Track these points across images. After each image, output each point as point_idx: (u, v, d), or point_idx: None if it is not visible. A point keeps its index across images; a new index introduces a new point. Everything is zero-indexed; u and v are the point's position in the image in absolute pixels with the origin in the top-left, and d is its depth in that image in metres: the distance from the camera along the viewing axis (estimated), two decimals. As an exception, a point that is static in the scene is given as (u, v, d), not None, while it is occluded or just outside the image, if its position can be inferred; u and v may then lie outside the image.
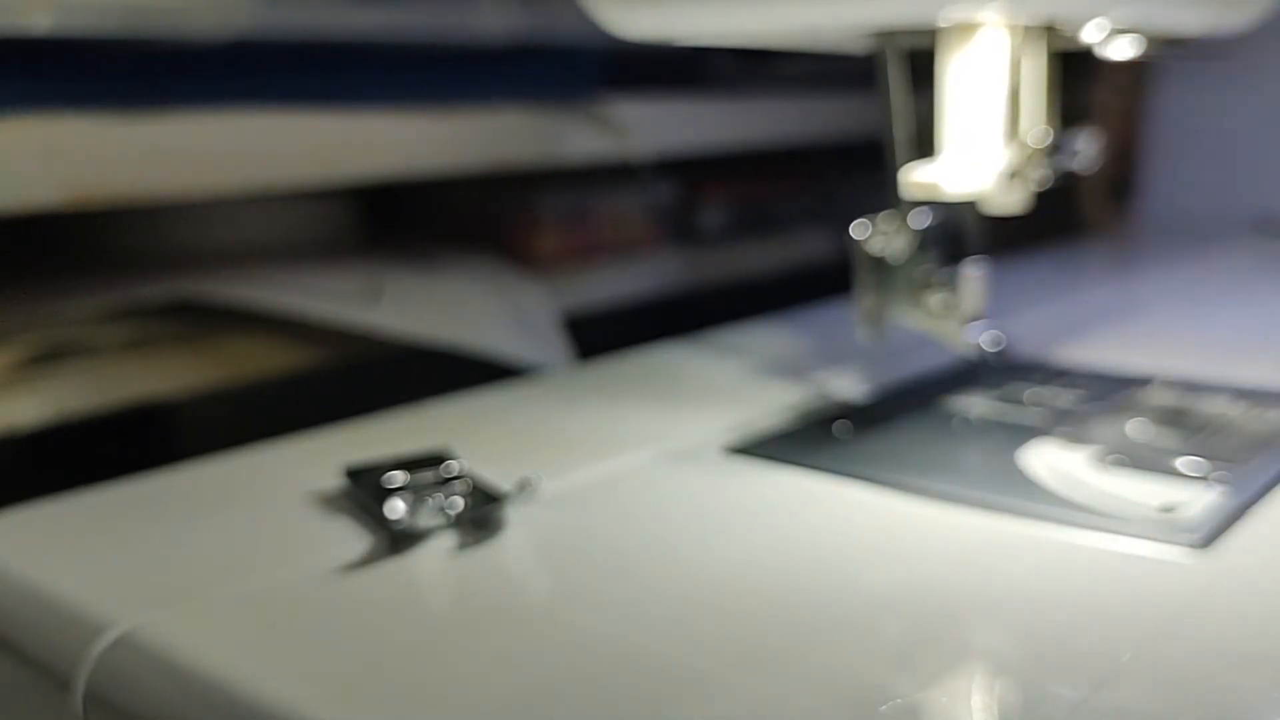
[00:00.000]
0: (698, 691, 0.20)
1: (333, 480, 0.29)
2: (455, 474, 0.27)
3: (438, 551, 0.25)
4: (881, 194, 0.33)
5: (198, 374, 0.41)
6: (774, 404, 0.36)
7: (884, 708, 0.19)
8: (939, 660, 0.21)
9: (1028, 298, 0.51)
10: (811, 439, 0.32)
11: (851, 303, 0.33)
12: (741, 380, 0.39)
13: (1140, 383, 0.36)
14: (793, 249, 0.67)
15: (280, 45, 0.42)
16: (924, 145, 0.32)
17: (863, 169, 0.40)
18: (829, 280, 0.45)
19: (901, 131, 0.32)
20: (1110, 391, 0.35)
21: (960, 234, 0.33)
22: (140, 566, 0.25)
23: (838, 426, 0.33)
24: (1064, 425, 0.32)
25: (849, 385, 0.37)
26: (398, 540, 0.26)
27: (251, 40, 0.40)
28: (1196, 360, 0.39)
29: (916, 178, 0.31)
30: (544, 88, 0.51)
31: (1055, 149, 0.32)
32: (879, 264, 0.33)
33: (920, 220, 0.32)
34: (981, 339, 0.33)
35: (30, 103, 0.36)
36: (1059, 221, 0.75)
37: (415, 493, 0.27)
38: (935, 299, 0.32)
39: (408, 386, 0.38)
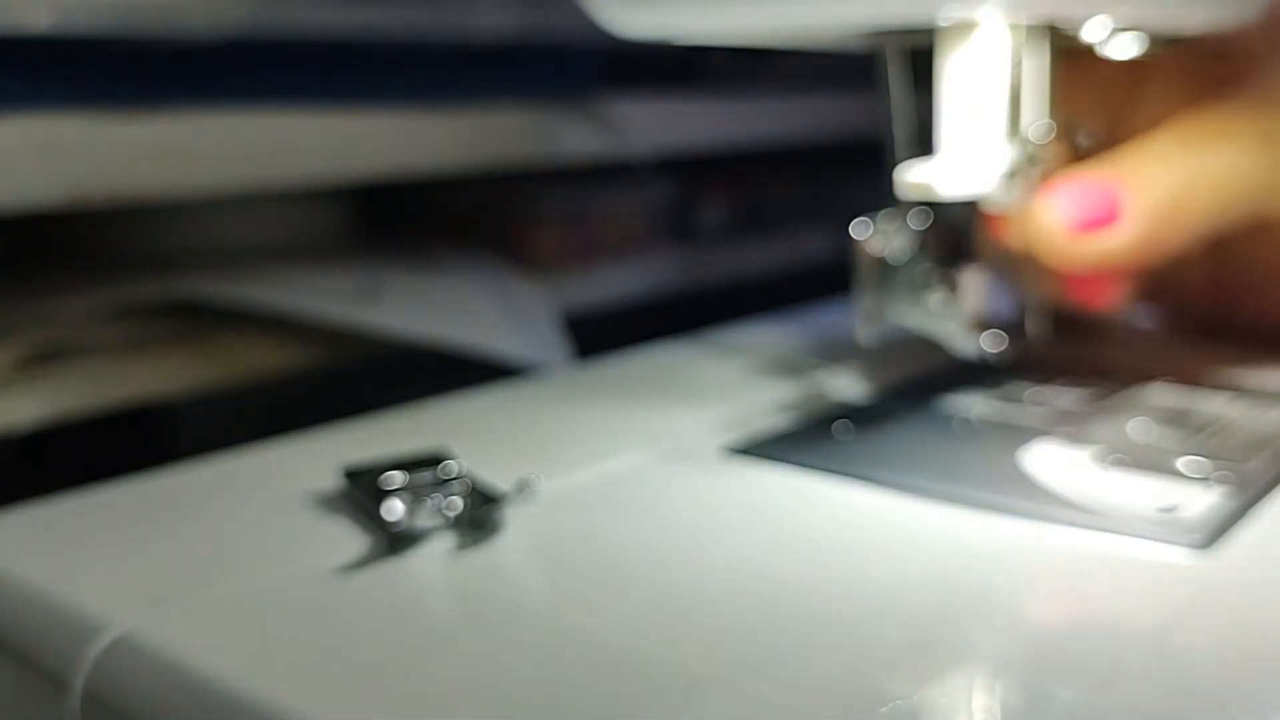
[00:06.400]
0: (698, 692, 0.20)
1: (331, 481, 0.29)
2: (454, 475, 0.27)
3: (436, 552, 0.25)
4: (881, 193, 0.33)
5: (196, 374, 0.41)
6: (773, 404, 0.35)
7: (884, 709, 0.19)
8: (939, 661, 0.21)
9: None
10: (811, 439, 0.32)
11: (851, 302, 0.33)
12: (741, 380, 0.39)
13: (1142, 382, 0.36)
14: (792, 248, 0.67)
15: (279, 44, 0.42)
16: (925, 144, 0.32)
17: (863, 168, 0.40)
18: (829, 280, 0.45)
19: (902, 130, 0.32)
20: (1111, 391, 0.35)
21: (962, 234, 0.33)
22: (138, 567, 0.25)
23: (837, 426, 0.33)
24: (1065, 425, 0.32)
25: (849, 385, 0.37)
26: (396, 541, 0.26)
27: (250, 39, 0.40)
28: (1198, 360, 0.39)
29: (914, 177, 0.31)
30: (542, 86, 0.51)
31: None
32: (879, 263, 0.33)
33: (921, 220, 0.32)
34: (982, 339, 0.32)
35: (28, 101, 0.36)
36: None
37: (413, 493, 0.26)
38: (935, 299, 0.32)
39: (406, 387, 0.38)
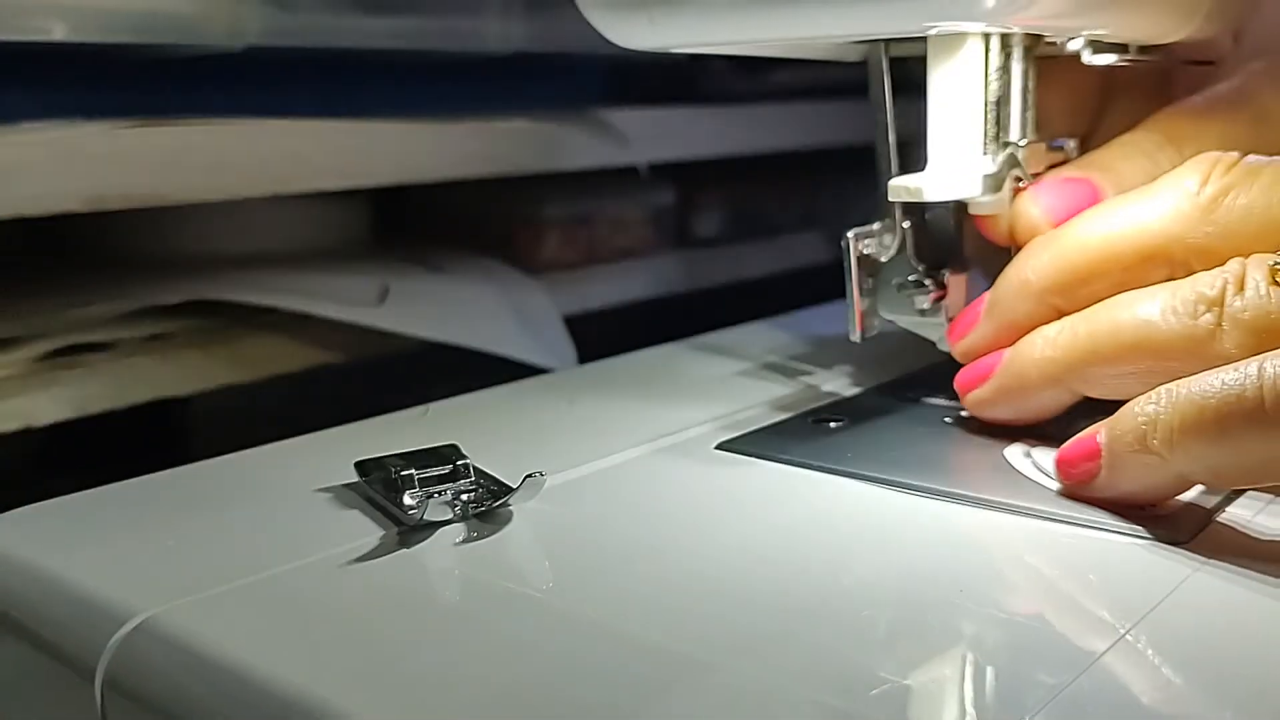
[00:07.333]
0: (696, 677, 0.21)
1: (344, 475, 0.30)
2: (463, 470, 0.28)
3: (446, 544, 0.26)
4: (873, 199, 0.33)
5: (213, 372, 0.41)
6: (768, 403, 0.36)
7: (874, 692, 0.20)
8: (926, 648, 0.21)
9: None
10: (804, 437, 0.33)
11: (843, 305, 0.33)
12: (737, 380, 0.39)
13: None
14: (787, 253, 0.67)
15: (291, 54, 0.42)
16: (915, 151, 0.32)
17: (855, 175, 0.41)
18: (822, 283, 0.46)
19: (892, 137, 0.33)
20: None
21: (949, 237, 0.33)
22: (158, 559, 0.26)
23: (830, 425, 0.33)
24: (1050, 422, 0.32)
25: (840, 385, 0.38)
26: (407, 533, 0.27)
27: (263, 49, 0.41)
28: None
29: (904, 182, 0.31)
30: (548, 97, 0.52)
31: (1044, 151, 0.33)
32: (870, 266, 0.33)
33: (910, 223, 0.33)
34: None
35: (50, 111, 0.37)
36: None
37: (424, 487, 0.27)
38: (924, 300, 0.33)
39: (417, 386, 0.39)
